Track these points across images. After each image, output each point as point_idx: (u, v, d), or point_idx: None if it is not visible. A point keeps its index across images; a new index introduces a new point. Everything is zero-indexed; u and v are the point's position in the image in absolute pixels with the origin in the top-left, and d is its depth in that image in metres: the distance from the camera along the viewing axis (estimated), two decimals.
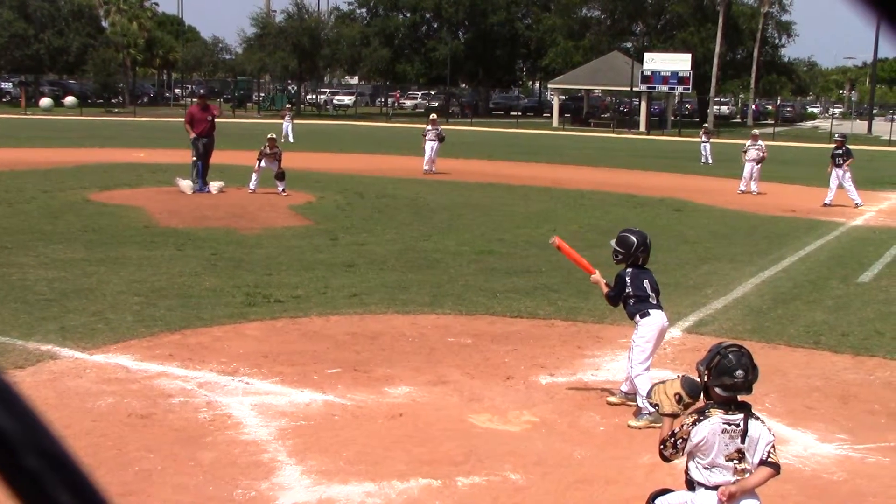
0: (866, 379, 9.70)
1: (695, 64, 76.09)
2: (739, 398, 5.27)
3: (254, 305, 11.77)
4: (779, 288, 14.20)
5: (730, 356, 5.26)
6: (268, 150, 23.72)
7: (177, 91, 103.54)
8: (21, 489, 0.77)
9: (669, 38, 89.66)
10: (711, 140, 40.31)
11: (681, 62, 75.27)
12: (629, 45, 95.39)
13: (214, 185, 23.66)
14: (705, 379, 5.30)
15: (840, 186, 25.94)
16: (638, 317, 8.31)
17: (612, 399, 8.64)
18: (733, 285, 14.24)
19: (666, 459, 5.43)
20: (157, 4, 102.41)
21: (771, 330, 11.57)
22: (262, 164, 23.76)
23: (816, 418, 8.36)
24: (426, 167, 30.86)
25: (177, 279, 13.19)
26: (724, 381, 5.21)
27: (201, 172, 23.61)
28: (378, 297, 12.56)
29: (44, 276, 12.97)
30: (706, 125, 45.45)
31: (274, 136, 24.88)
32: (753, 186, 28.73)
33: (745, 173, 29.07)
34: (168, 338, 10.17)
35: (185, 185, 23.34)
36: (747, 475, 5.12)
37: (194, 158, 23.73)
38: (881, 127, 79.24)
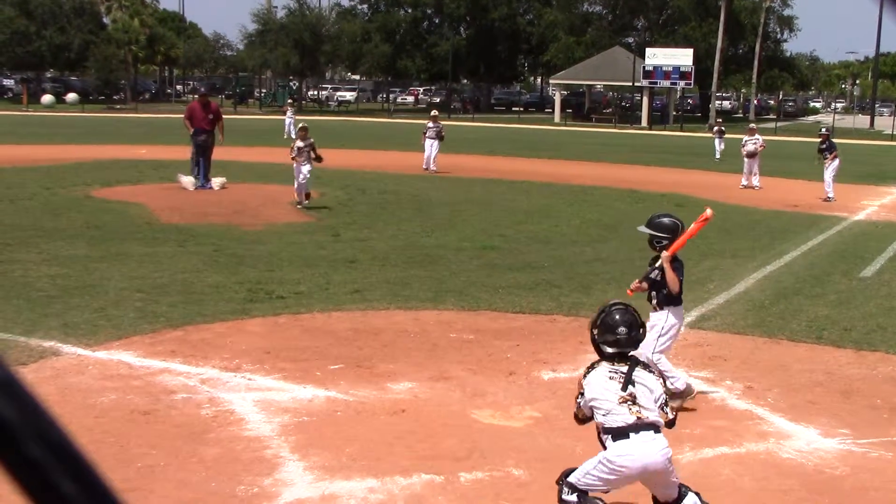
0: (869, 374, 9.70)
1: (696, 59, 76.09)
2: (630, 354, 5.71)
3: (256, 301, 11.77)
4: (781, 283, 14.19)
5: (614, 314, 5.77)
6: (300, 144, 20.48)
7: (178, 87, 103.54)
8: (24, 478, 0.77)
9: (671, 33, 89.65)
10: (725, 137, 40.08)
11: (682, 57, 75.26)
12: (631, 40, 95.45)
13: (216, 182, 23.66)
14: (595, 336, 5.78)
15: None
16: (672, 305, 8.29)
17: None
18: (735, 280, 14.23)
19: (578, 419, 5.79)
20: (158, 1, 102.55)
21: (773, 325, 11.56)
22: (297, 157, 20.45)
23: (819, 413, 8.35)
24: (426, 165, 30.78)
25: (179, 275, 13.19)
26: (608, 338, 5.71)
27: (203, 169, 23.60)
28: (380, 292, 12.56)
29: (46, 273, 12.97)
30: (720, 120, 45.23)
31: (306, 125, 21.62)
32: (755, 181, 28.72)
33: (746, 168, 29.08)
34: (170, 334, 10.17)
35: (187, 181, 23.34)
36: (645, 414, 5.40)
37: (193, 154, 23.72)
38: (884, 121, 79.13)
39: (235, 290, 12.36)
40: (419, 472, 6.70)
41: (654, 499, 5.70)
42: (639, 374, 5.59)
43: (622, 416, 5.40)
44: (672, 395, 7.93)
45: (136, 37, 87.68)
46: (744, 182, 28.94)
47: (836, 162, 26.29)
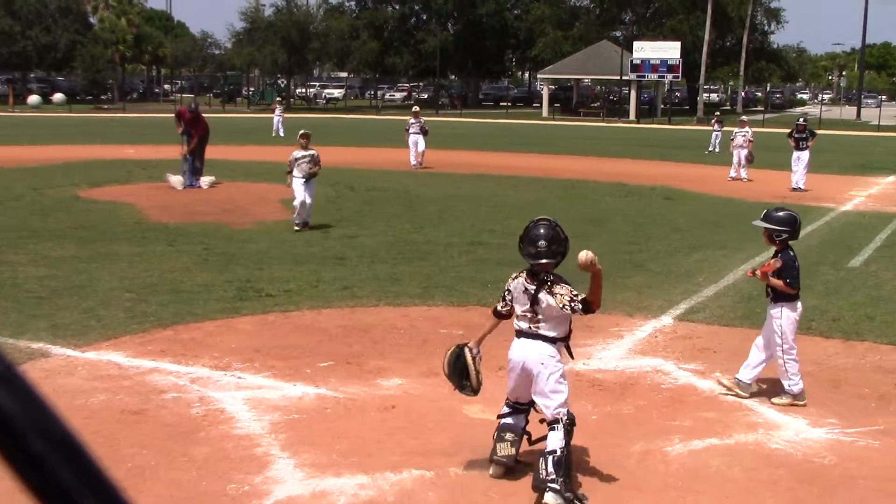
0: (857, 363, 9.74)
1: (684, 52, 76.16)
2: (552, 273, 6.39)
3: (245, 300, 11.76)
4: None
5: (538, 228, 6.39)
6: (298, 155, 17.32)
7: (166, 87, 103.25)
8: (27, 473, 0.77)
9: (658, 27, 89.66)
10: (724, 129, 40.13)
11: (670, 50, 75.34)
12: (618, 33, 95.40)
13: (205, 181, 23.63)
14: (520, 247, 6.43)
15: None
16: (789, 302, 8.44)
17: (723, 380, 8.76)
18: (724, 272, 14.27)
19: (497, 313, 6.68)
20: (145, 0, 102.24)
21: (762, 316, 11.50)
22: (295, 173, 17.29)
23: (807, 403, 8.39)
24: (414, 161, 30.79)
25: (168, 275, 13.18)
26: (530, 250, 6.34)
27: (192, 168, 23.55)
28: (369, 289, 12.56)
29: (34, 274, 12.94)
30: (718, 113, 45.25)
31: (308, 132, 17.80)
32: (743, 173, 28.82)
33: (735, 160, 29.17)
34: (160, 333, 10.16)
35: (176, 180, 23.29)
36: (540, 328, 6.38)
37: (184, 154, 23.66)
38: (870, 112, 79.33)
39: (225, 288, 12.36)
40: (409, 468, 6.71)
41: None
42: (543, 296, 6.32)
43: (523, 323, 6.45)
44: (786, 394, 8.42)
45: (123, 36, 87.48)
46: (732, 174, 29.03)
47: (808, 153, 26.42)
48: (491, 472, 6.58)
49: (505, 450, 6.52)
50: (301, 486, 6.42)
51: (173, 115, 25.42)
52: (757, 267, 8.70)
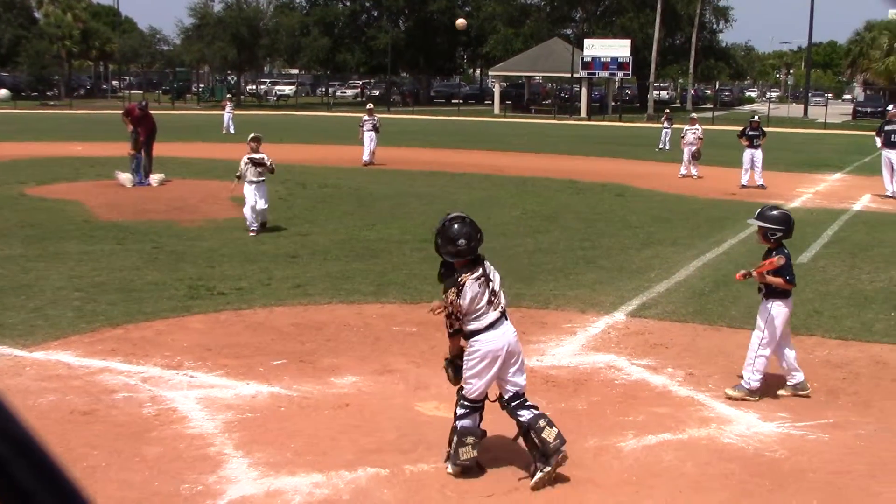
0: (806, 358, 9.84)
1: (634, 50, 76.74)
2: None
3: (197, 298, 11.67)
4: (720, 270, 14.37)
5: (454, 226, 6.42)
6: (248, 159, 16.65)
7: (114, 83, 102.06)
8: None
9: (609, 24, 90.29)
10: (673, 126, 40.44)
11: (620, 48, 75.89)
12: (569, 31, 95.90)
13: (155, 178, 23.41)
14: (438, 245, 6.47)
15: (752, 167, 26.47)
16: (783, 298, 8.53)
17: (781, 392, 8.75)
18: (676, 269, 14.40)
19: (456, 331, 6.52)
20: None
21: (713, 312, 11.72)
22: (248, 175, 16.59)
23: (758, 398, 8.48)
24: (366, 158, 30.80)
25: (118, 273, 13.04)
26: (450, 249, 6.40)
27: (142, 165, 23.32)
28: (322, 287, 12.52)
29: None
30: (668, 111, 45.62)
31: (258, 135, 17.26)
32: (693, 170, 29.07)
33: (685, 157, 29.42)
34: (110, 333, 10.05)
35: (125, 178, 23.04)
36: (502, 304, 6.55)
37: (132, 151, 23.43)
38: (817, 111, 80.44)
39: (176, 287, 12.25)
40: (364, 466, 6.70)
41: (501, 399, 6.64)
42: (491, 270, 6.58)
43: (489, 313, 6.45)
44: (741, 388, 8.52)
45: (69, 31, 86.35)
46: (682, 171, 29.28)
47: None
48: (450, 470, 6.58)
49: (467, 454, 6.51)
50: (255, 485, 6.38)
51: (121, 112, 25.09)
52: (749, 269, 8.75)
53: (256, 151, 16.79)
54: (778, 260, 8.36)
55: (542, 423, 6.45)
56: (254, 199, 16.59)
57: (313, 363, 9.17)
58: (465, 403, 6.58)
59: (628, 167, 32.57)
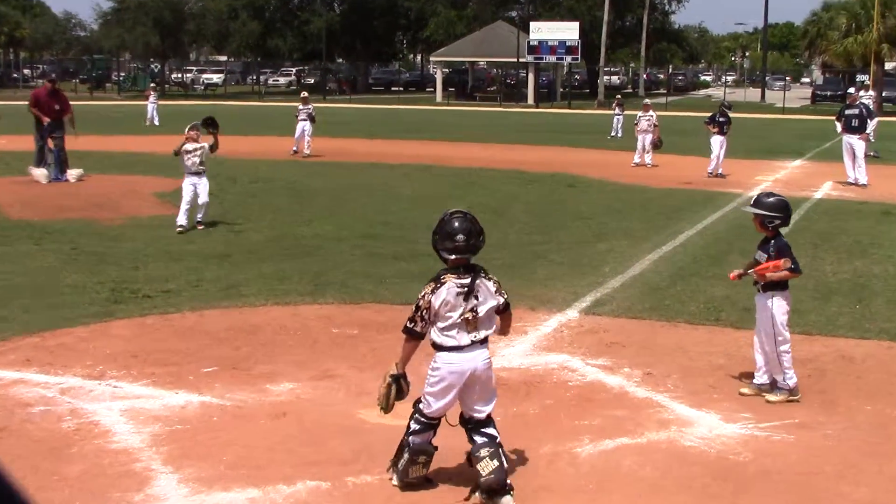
0: None
1: (583, 32, 77.31)
2: (472, 262, 6.38)
3: (120, 302, 11.51)
4: (677, 263, 14.48)
5: (453, 222, 6.35)
6: (189, 148, 16.63)
7: (25, 72, 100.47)
8: None
9: (555, 6, 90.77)
10: (625, 112, 40.73)
11: (568, 31, 76.34)
12: (514, 13, 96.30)
13: (73, 173, 23.11)
14: (435, 242, 6.38)
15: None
16: (782, 290, 8.59)
17: (744, 391, 8.74)
18: (631, 262, 14.47)
19: (417, 335, 6.36)
20: None
21: (671, 308, 11.79)
22: (186, 168, 16.61)
23: (720, 398, 8.54)
24: (295, 148, 30.78)
25: (34, 276, 12.84)
26: (448, 245, 6.31)
27: (57, 160, 22.98)
28: (255, 288, 12.41)
29: None
30: (619, 96, 45.94)
31: (198, 123, 17.17)
32: (647, 159, 29.31)
33: (639, 145, 29.65)
34: (25, 341, 9.86)
35: (40, 173, 22.72)
36: (479, 328, 6.29)
37: (40, 144, 23.09)
38: (775, 95, 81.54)
39: (97, 290, 12.08)
40: (304, 479, 6.63)
41: (461, 416, 6.54)
42: (481, 282, 6.31)
43: (459, 334, 6.27)
44: (781, 390, 8.54)
45: None
46: (636, 160, 29.50)
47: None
48: (395, 483, 6.53)
49: (417, 472, 6.49)
50: (186, 502, 6.29)
51: (27, 103, 24.49)
52: (745, 269, 8.78)
53: (196, 141, 16.71)
54: (784, 263, 8.42)
55: (483, 452, 6.34)
56: (192, 193, 16.49)
57: (247, 369, 9.08)
58: (421, 420, 6.49)
59: (579, 156, 32.75)
